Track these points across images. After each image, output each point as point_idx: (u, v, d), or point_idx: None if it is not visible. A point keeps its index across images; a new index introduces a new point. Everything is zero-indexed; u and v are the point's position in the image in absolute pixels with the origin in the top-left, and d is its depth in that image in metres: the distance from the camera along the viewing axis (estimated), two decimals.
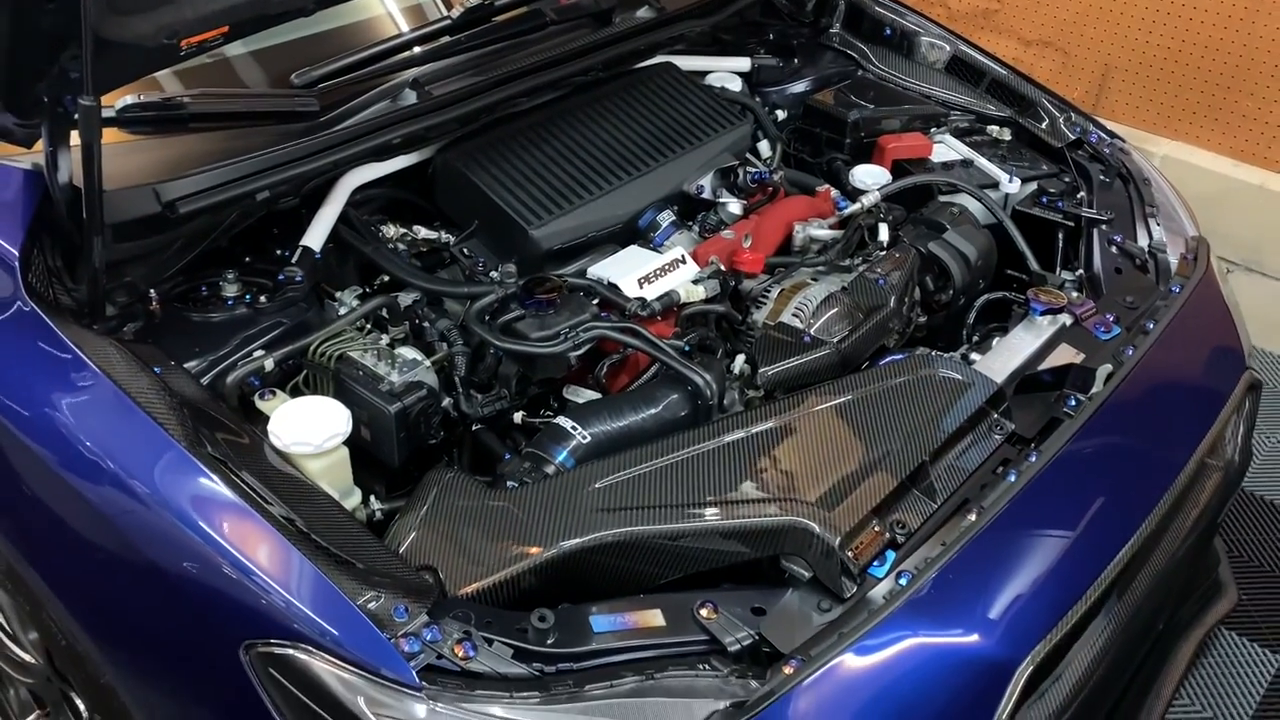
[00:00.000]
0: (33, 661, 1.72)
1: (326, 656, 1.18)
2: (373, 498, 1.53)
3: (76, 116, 1.33)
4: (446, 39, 1.98)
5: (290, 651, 1.19)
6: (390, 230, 1.93)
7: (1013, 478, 1.47)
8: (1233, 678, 2.35)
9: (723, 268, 1.84)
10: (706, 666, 1.25)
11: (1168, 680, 2.07)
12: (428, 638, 1.20)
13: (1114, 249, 2.03)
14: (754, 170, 2.03)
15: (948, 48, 2.53)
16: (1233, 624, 2.45)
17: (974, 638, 1.31)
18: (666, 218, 1.97)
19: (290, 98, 1.83)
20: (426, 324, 1.72)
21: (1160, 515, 1.54)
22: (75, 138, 1.55)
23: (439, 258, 1.94)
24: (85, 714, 1.65)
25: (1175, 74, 3.35)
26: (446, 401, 1.64)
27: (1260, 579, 2.58)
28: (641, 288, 1.76)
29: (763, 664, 1.28)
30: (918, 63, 2.56)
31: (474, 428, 1.69)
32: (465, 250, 1.91)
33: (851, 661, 1.25)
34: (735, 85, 2.37)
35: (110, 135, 1.72)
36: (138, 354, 1.46)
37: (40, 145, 1.47)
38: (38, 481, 1.38)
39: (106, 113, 1.70)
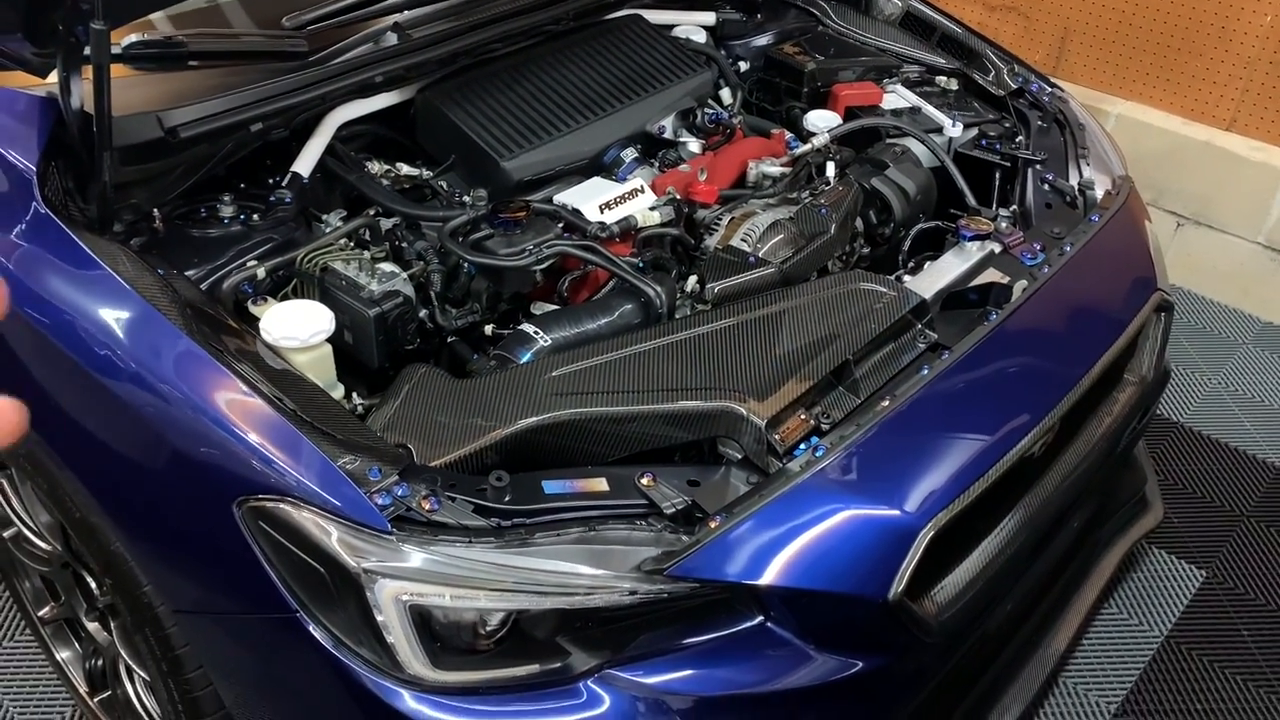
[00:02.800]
0: (47, 548, 1.90)
1: (310, 508, 1.35)
2: (354, 394, 1.70)
3: (88, 44, 1.49)
4: None
5: (278, 504, 1.36)
6: (375, 167, 2.10)
7: (925, 371, 1.65)
8: (1159, 590, 2.53)
9: (679, 197, 2.01)
10: (643, 524, 1.42)
11: (1091, 585, 2.26)
12: (399, 493, 1.37)
13: (1046, 187, 2.20)
14: (711, 111, 2.19)
15: (901, 4, 2.69)
16: (1162, 542, 2.62)
17: (881, 503, 1.48)
18: (630, 154, 2.14)
19: (281, 39, 1.99)
20: (405, 244, 1.88)
21: (1064, 412, 1.71)
22: (87, 70, 1.73)
23: (420, 194, 2.11)
24: (96, 589, 1.83)
25: (1129, 37, 3.51)
26: (423, 313, 1.81)
27: (1191, 503, 2.76)
28: (602, 213, 1.92)
29: (694, 524, 1.45)
30: (874, 18, 2.72)
31: (449, 339, 1.87)
32: (443, 183, 2.08)
33: (769, 517, 1.42)
34: (700, 37, 2.53)
35: (117, 70, 1.90)
36: (144, 258, 1.63)
37: (54, 76, 1.64)
38: (54, 369, 1.56)
39: (114, 49, 1.87)
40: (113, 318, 1.50)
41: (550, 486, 1.44)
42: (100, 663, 2.00)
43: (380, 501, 1.36)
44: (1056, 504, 1.81)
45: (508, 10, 2.16)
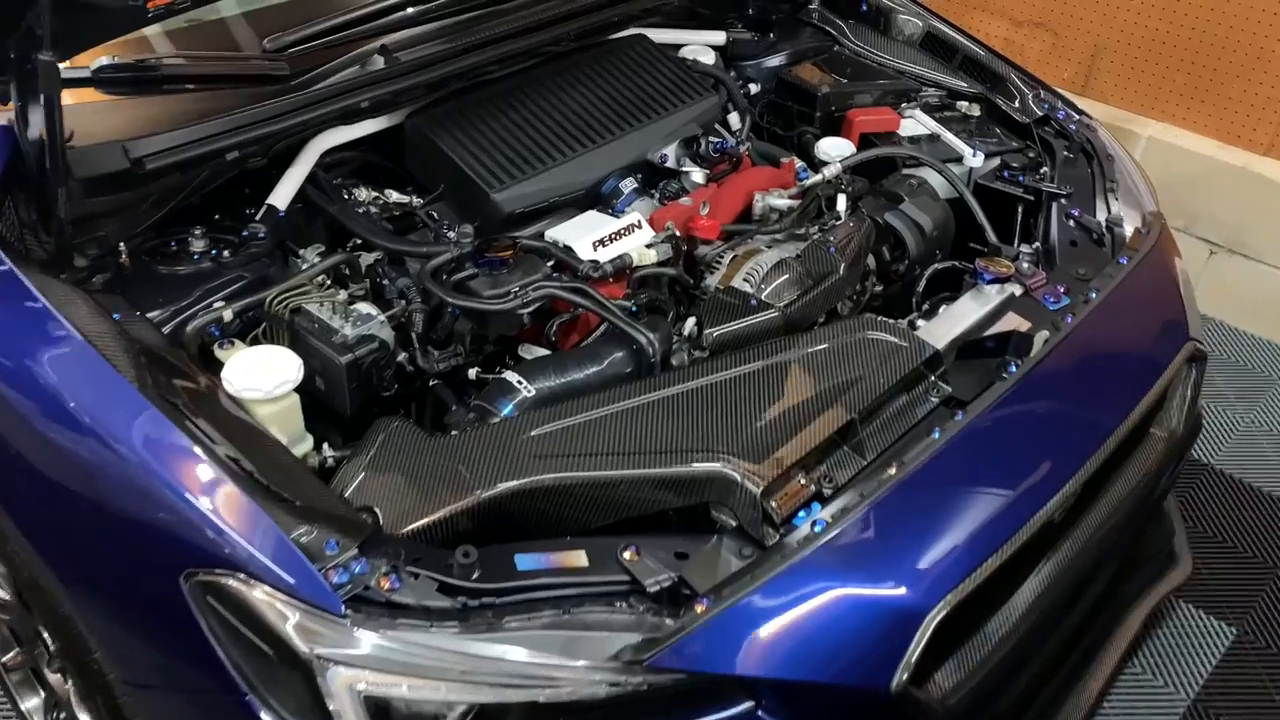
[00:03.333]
0: (6, 597, 1.81)
1: (261, 585, 1.25)
2: (325, 445, 1.59)
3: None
4: (420, 6, 2.03)
5: (226, 580, 1.26)
6: (362, 193, 2.00)
7: (936, 434, 1.52)
8: (1186, 649, 2.39)
9: (678, 233, 1.90)
10: (624, 604, 1.31)
11: (1114, 647, 2.12)
12: (356, 570, 1.26)
13: (1071, 223, 2.07)
14: (716, 140, 2.08)
15: (921, 24, 2.56)
16: (1190, 596, 2.49)
17: (884, 583, 1.36)
18: (629, 185, 2.02)
19: (262, 62, 1.89)
20: (386, 281, 1.78)
21: (1088, 477, 1.59)
22: None
23: (411, 221, 2.01)
24: (51, 646, 1.73)
25: (1163, 56, 3.36)
26: (402, 356, 1.70)
27: (1221, 553, 2.62)
28: (596, 250, 1.81)
29: (680, 604, 1.34)
30: (893, 39, 2.60)
31: (431, 383, 1.76)
32: (432, 213, 1.97)
33: (761, 601, 1.31)
34: (708, 58, 2.41)
35: (89, 95, 1.81)
36: (101, 302, 1.53)
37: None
38: None
39: (81, 73, 1.78)
40: (59, 367, 1.41)
41: (523, 561, 1.33)
42: (62, 716, 1.91)
43: (336, 579, 1.25)
44: (1077, 571, 1.68)
45: (504, 32, 2.05)
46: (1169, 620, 2.44)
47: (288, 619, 1.23)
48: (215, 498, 1.29)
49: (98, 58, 1.80)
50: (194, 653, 1.30)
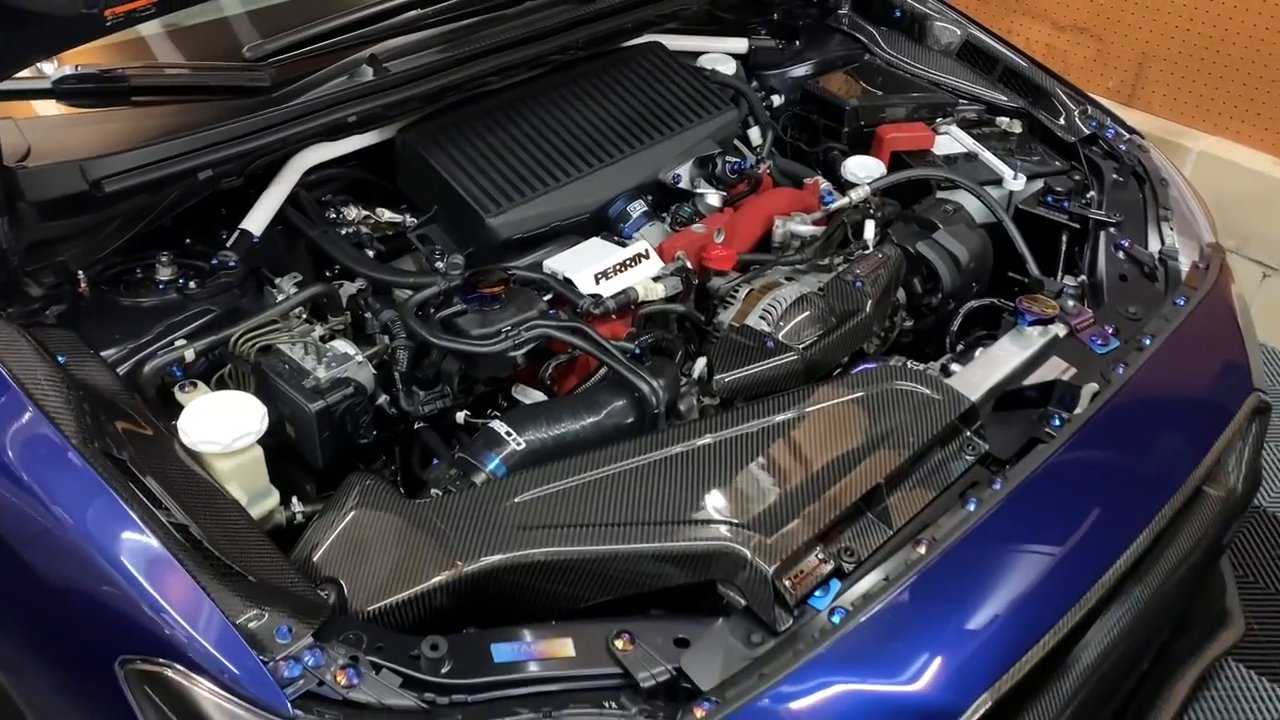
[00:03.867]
0: None
1: (199, 679, 1.10)
2: (294, 499, 1.45)
3: None
4: (412, 13, 1.88)
5: (164, 671, 1.11)
6: (353, 212, 1.85)
7: (972, 506, 1.36)
8: (1237, 713, 2.21)
9: (689, 264, 1.73)
10: (613, 704, 1.15)
11: (1163, 713, 1.95)
12: (309, 662, 1.11)
13: (1121, 254, 1.90)
14: (734, 161, 1.91)
15: (960, 32, 2.39)
16: (1241, 656, 2.30)
17: (910, 684, 1.20)
18: (638, 208, 1.86)
19: (240, 72, 1.75)
20: (369, 315, 1.63)
21: (1140, 552, 1.42)
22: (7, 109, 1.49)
23: (405, 242, 1.86)
24: None
25: (1216, 65, 3.16)
26: (383, 399, 1.55)
27: (1272, 607, 2.43)
28: (598, 283, 1.65)
29: (680, 700, 1.18)
30: (929, 48, 2.42)
31: (416, 425, 1.61)
32: (425, 236, 1.82)
33: (771, 705, 1.15)
34: (728, 68, 2.24)
35: (50, 107, 1.67)
36: (48, 341, 1.38)
37: None
38: None
39: (42, 84, 1.64)
40: None
41: (501, 652, 1.18)
42: None
43: (286, 673, 1.10)
44: (1124, 645, 1.51)
45: (506, 40, 1.89)
46: (1218, 681, 2.26)
47: (230, 718, 1.08)
48: (154, 575, 1.14)
49: (62, 68, 1.66)
50: None
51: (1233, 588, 2.15)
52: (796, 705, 1.15)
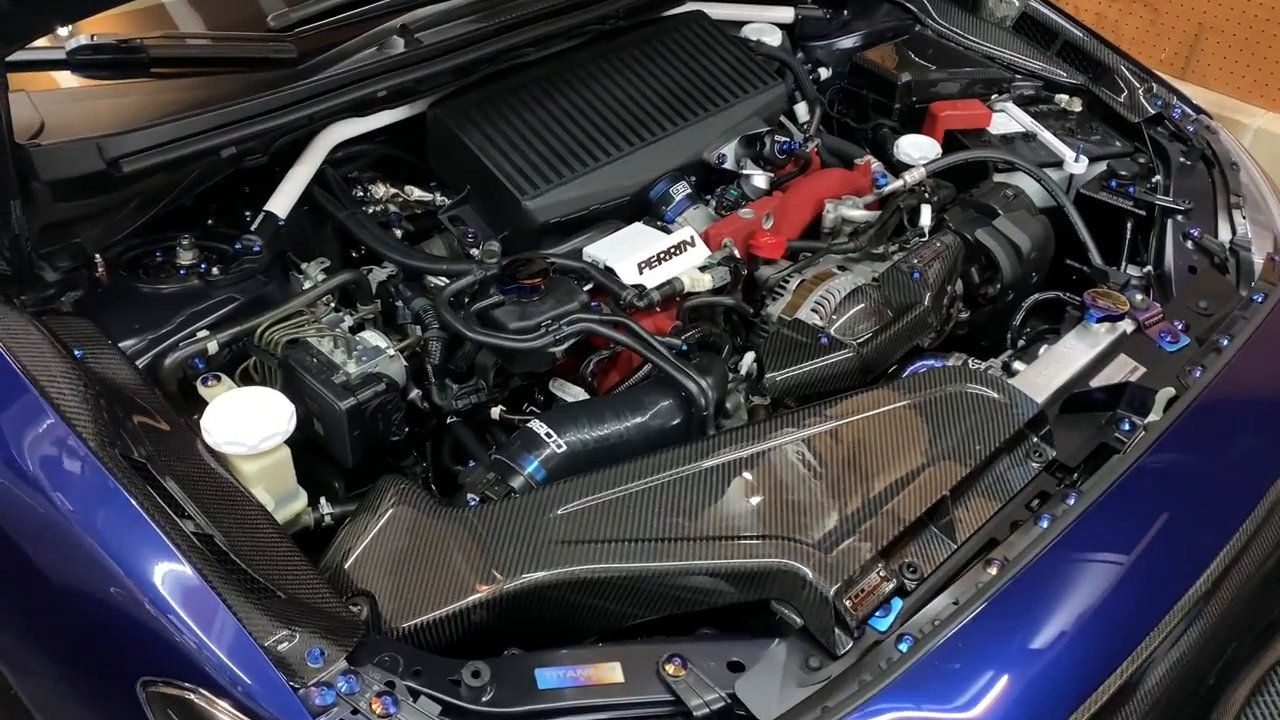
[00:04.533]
0: None
1: (224, 705, 1.03)
2: (323, 500, 1.37)
3: None
4: None
5: (188, 695, 1.05)
6: (380, 190, 1.76)
7: (1045, 524, 1.27)
8: None
9: (737, 253, 1.64)
10: None
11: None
12: (343, 688, 1.04)
13: (1189, 244, 1.79)
14: (783, 140, 1.81)
15: (1017, 3, 2.27)
16: None
17: (982, 717, 1.12)
18: (681, 190, 1.77)
19: (264, 42, 1.65)
20: (400, 303, 1.54)
21: (1219, 572, 1.33)
22: (24, 81, 1.41)
23: (434, 222, 1.77)
24: None
25: (1275, 38, 3.01)
26: (415, 393, 1.48)
27: None
28: (641, 273, 1.56)
29: None
30: (983, 19, 2.30)
31: (449, 419, 1.53)
32: (456, 218, 1.73)
33: None
34: (774, 38, 2.13)
35: (65, 79, 1.58)
36: (64, 332, 1.31)
37: None
38: None
39: (57, 54, 1.55)
40: (4, 421, 1.18)
41: (546, 678, 1.10)
42: None
43: (319, 701, 1.03)
44: (1193, 665, 1.43)
45: (542, 10, 1.79)
46: (1275, 686, 2.18)
47: None
48: (178, 592, 1.07)
49: (76, 37, 1.57)
50: None
51: None
52: None
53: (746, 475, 1.28)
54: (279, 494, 1.31)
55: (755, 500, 1.26)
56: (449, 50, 1.69)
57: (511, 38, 1.76)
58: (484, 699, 1.07)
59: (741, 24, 2.15)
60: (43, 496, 1.14)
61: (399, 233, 1.73)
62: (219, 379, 1.39)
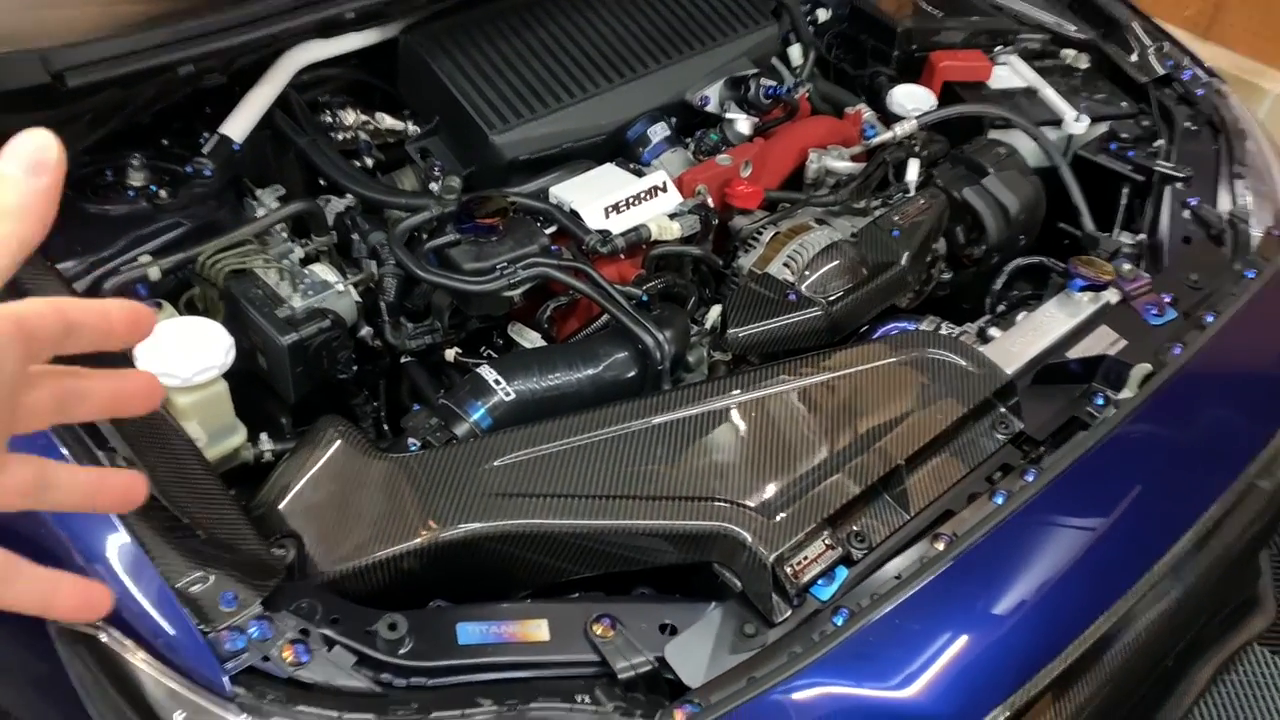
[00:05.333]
0: None
1: (135, 645, 1.00)
2: (264, 436, 1.34)
3: None
4: None
5: (97, 635, 1.02)
6: (350, 117, 1.70)
7: (1000, 500, 1.23)
8: (1259, 699, 2.11)
9: (710, 201, 1.58)
10: (586, 699, 1.05)
11: (1177, 703, 1.85)
12: (254, 634, 1.01)
13: (1186, 213, 1.72)
14: (769, 85, 1.73)
15: None
16: (1267, 641, 2.19)
17: (916, 696, 1.08)
18: (660, 131, 1.70)
19: None
20: (356, 236, 1.49)
21: (1178, 556, 1.29)
22: None
23: (405, 152, 1.71)
24: None
25: None
26: (366, 331, 1.43)
27: None
28: (608, 218, 1.51)
29: (661, 693, 1.08)
30: None
31: (403, 360, 1.49)
32: (425, 150, 1.67)
33: (759, 714, 1.04)
34: None
35: None
36: None
37: None
38: None
39: None
40: None
41: (468, 633, 1.07)
42: None
43: (228, 646, 1.00)
44: (1150, 648, 1.39)
45: None
46: (1241, 665, 2.16)
47: (164, 695, 0.99)
48: (90, 527, 1.04)
49: None
50: (70, 710, 1.06)
51: (1267, 571, 2.03)
52: (786, 716, 1.04)
53: (695, 434, 1.24)
54: (214, 428, 1.27)
55: (701, 460, 1.21)
56: None
57: None
58: (401, 651, 1.04)
59: None
60: None
61: (370, 162, 1.67)
62: (160, 306, 1.34)
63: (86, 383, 0.62)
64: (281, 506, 1.18)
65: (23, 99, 1.37)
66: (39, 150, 0.55)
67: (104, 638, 1.01)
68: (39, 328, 0.57)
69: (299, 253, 1.43)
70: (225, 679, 0.98)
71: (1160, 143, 1.86)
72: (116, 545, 1.03)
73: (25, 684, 1.17)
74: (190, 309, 1.39)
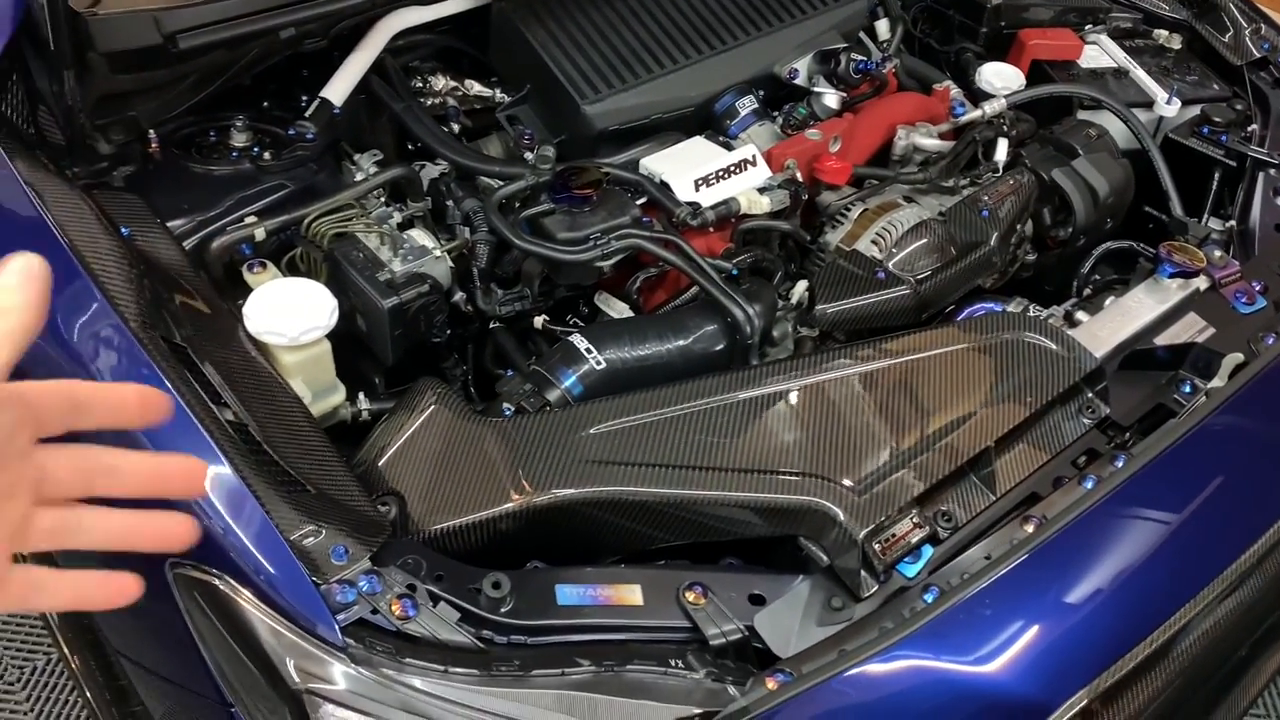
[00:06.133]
0: None
1: (248, 594, 1.04)
2: (362, 396, 1.38)
3: None
4: None
5: (214, 581, 1.06)
6: (440, 82, 1.73)
7: (1090, 484, 1.23)
8: None
9: (799, 175, 1.58)
10: (679, 663, 1.08)
11: (1248, 689, 1.85)
12: (364, 588, 1.05)
13: (1279, 200, 1.70)
14: (860, 60, 1.72)
15: None
16: None
17: (1002, 675, 1.10)
18: (748, 104, 1.70)
19: None
20: (451, 202, 1.52)
21: (1266, 548, 1.29)
22: None
23: (491, 119, 1.73)
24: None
25: None
26: (459, 296, 1.46)
27: None
28: (698, 190, 1.52)
29: (749, 661, 1.11)
30: None
31: (493, 324, 1.52)
32: (514, 118, 1.69)
33: (849, 686, 1.06)
34: None
35: None
36: (113, 207, 1.31)
37: None
38: None
39: None
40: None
41: (566, 595, 1.10)
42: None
43: (339, 599, 1.04)
44: (1229, 636, 1.40)
45: None
46: None
47: (278, 642, 1.03)
48: (210, 480, 1.08)
49: None
50: (182, 648, 1.11)
51: None
52: (876, 688, 1.07)
53: (785, 409, 1.26)
54: (317, 387, 1.31)
55: (792, 435, 1.23)
56: None
57: None
58: (503, 609, 1.07)
59: None
60: (84, 373, 1.15)
61: (456, 128, 1.70)
62: (265, 266, 1.38)
63: (116, 459, 0.64)
64: (382, 464, 1.22)
65: (135, 59, 1.41)
66: (29, 265, 0.61)
67: (221, 585, 1.06)
68: (41, 400, 0.60)
69: (397, 218, 1.45)
70: (337, 630, 1.02)
71: (1254, 127, 1.83)
72: (235, 499, 1.07)
73: (140, 631, 1.22)
74: (291, 269, 1.42)
